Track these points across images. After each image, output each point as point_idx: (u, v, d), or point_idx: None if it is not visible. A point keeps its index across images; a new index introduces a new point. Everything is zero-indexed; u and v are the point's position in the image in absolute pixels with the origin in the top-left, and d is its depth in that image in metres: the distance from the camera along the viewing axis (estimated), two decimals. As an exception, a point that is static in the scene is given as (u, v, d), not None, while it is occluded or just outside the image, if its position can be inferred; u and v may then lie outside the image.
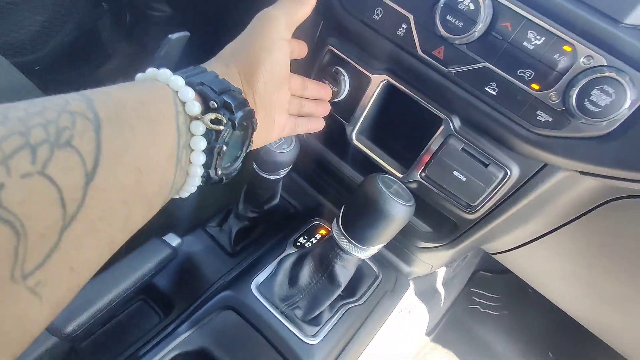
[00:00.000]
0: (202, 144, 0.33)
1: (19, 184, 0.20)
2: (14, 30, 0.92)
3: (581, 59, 0.40)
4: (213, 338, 0.51)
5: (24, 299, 0.20)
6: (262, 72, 0.42)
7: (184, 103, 0.33)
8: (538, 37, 0.42)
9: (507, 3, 0.42)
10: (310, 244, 0.66)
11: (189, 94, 0.33)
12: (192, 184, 0.35)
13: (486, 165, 0.52)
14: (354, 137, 0.62)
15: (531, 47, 0.42)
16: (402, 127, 0.62)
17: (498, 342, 1.22)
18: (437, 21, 0.44)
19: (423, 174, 0.58)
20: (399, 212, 0.48)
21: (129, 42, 1.11)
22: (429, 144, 0.56)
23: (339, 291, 0.55)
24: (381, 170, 0.61)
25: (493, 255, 0.85)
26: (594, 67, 0.40)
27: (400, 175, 0.60)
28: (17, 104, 0.23)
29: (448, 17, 0.44)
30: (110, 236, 0.26)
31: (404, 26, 0.49)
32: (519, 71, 0.44)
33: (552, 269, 0.77)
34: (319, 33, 0.61)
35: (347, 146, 0.64)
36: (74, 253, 0.23)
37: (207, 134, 0.33)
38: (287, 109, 0.49)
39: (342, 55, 0.58)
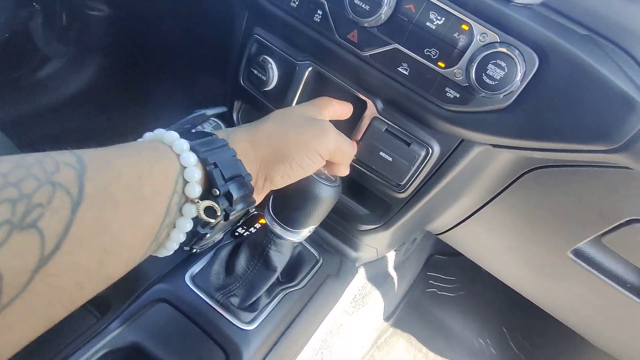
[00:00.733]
0: (188, 226, 0.31)
1: None
2: None
3: (477, 37, 0.43)
4: (146, 332, 0.51)
5: None
6: (285, 169, 0.39)
7: (185, 182, 0.30)
8: (439, 18, 0.44)
9: (409, -14, 0.44)
10: (249, 234, 0.67)
11: (196, 175, 0.30)
12: (162, 254, 0.33)
13: (409, 145, 0.55)
14: (287, 126, 0.63)
15: (434, 27, 0.44)
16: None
17: (455, 323, 1.26)
18: (347, 5, 0.46)
19: (354, 157, 0.59)
20: (324, 192, 0.49)
21: (66, 43, 1.08)
22: (357, 127, 0.57)
23: (275, 276, 0.56)
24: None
25: (439, 237, 0.88)
26: (489, 43, 0.42)
27: (334, 161, 0.61)
28: (3, 162, 0.22)
29: (356, 1, 0.45)
30: (50, 316, 0.24)
31: (320, 12, 0.50)
32: (425, 51, 0.46)
33: (490, 245, 0.80)
34: (245, 23, 0.61)
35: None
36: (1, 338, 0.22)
37: (196, 218, 0.31)
38: None
39: (269, 44, 0.59)
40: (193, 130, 0.40)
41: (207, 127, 0.75)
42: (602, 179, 0.51)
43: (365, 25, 0.47)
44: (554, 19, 0.44)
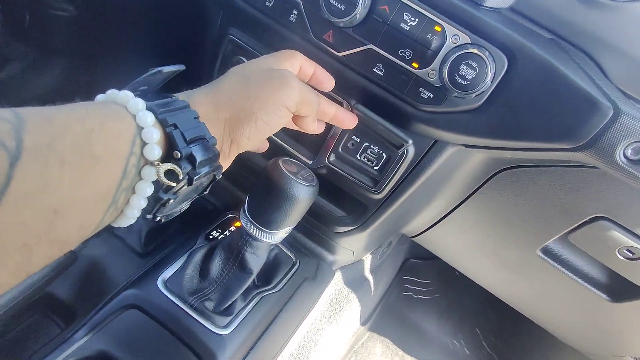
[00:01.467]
0: (149, 190, 0.29)
1: None
2: None
3: (450, 38, 0.44)
4: (115, 340, 0.48)
5: None
6: (251, 129, 0.37)
7: (144, 144, 0.28)
8: (412, 19, 0.45)
9: (383, -13, 0.45)
10: (224, 237, 0.65)
11: (154, 135, 0.28)
12: (124, 223, 0.30)
13: (384, 146, 0.55)
14: (262, 127, 0.62)
15: (407, 28, 0.45)
16: (309, 115, 0.64)
17: (431, 325, 1.28)
18: (322, 5, 0.46)
19: (331, 159, 0.59)
20: (301, 192, 0.49)
21: (27, 44, 1.03)
22: (332, 128, 0.57)
23: (251, 279, 0.55)
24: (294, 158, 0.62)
25: (414, 239, 0.89)
26: (460, 44, 0.44)
27: (310, 162, 0.61)
28: None
29: (331, 1, 0.46)
30: None
31: (295, 12, 0.50)
32: (399, 51, 0.47)
33: (463, 246, 0.82)
34: (220, 23, 0.61)
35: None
36: None
37: (157, 181, 0.29)
38: None
39: (244, 44, 0.58)
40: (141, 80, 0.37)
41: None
42: (567, 178, 0.53)
43: (341, 25, 0.47)
44: (522, 23, 0.46)
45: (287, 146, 0.62)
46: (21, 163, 0.22)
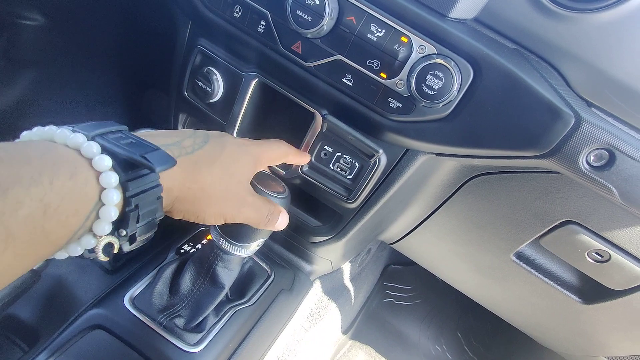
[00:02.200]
0: (79, 250, 0.29)
1: None
2: None
3: (416, 49, 0.44)
4: (79, 363, 0.46)
5: None
6: (198, 218, 0.39)
7: (97, 217, 0.28)
8: (379, 30, 0.45)
9: (349, -2, 0.45)
10: (195, 251, 0.64)
11: (112, 214, 0.28)
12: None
13: (357, 155, 0.55)
14: (234, 138, 0.61)
15: (375, 39, 0.45)
16: (282, 124, 0.63)
17: (413, 331, 1.28)
18: (289, 15, 0.46)
19: (304, 169, 0.59)
20: (272, 204, 0.48)
21: (-7, 55, 1.00)
22: (304, 138, 0.57)
23: (223, 294, 0.53)
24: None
25: (393, 246, 0.89)
26: (427, 55, 0.44)
27: (284, 172, 0.60)
28: None
29: (298, 12, 0.46)
30: None
31: (263, 23, 0.50)
32: (367, 62, 0.47)
33: (440, 252, 0.82)
34: (189, 34, 0.60)
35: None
36: None
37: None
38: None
39: (213, 55, 0.58)
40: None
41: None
42: (536, 184, 0.54)
43: (309, 36, 0.47)
44: (486, 34, 0.46)
45: (260, 157, 0.62)
46: None
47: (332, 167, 0.57)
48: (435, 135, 0.48)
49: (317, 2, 0.44)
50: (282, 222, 0.48)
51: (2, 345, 0.53)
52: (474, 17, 0.46)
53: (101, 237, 0.29)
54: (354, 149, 0.55)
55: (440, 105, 0.45)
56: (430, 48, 0.44)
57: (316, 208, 0.66)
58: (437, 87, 0.43)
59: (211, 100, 0.59)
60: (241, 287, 0.62)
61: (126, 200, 0.29)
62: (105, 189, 0.28)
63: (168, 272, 0.56)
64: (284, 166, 0.61)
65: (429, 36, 0.44)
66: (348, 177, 0.57)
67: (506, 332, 1.28)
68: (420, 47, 0.44)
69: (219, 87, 0.58)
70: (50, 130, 0.28)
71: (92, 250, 0.29)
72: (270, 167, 0.61)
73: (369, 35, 0.45)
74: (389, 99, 0.48)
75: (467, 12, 0.45)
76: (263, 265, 0.67)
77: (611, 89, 0.43)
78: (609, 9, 0.41)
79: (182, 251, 0.63)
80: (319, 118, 0.55)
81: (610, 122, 0.43)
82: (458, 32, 0.43)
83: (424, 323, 1.31)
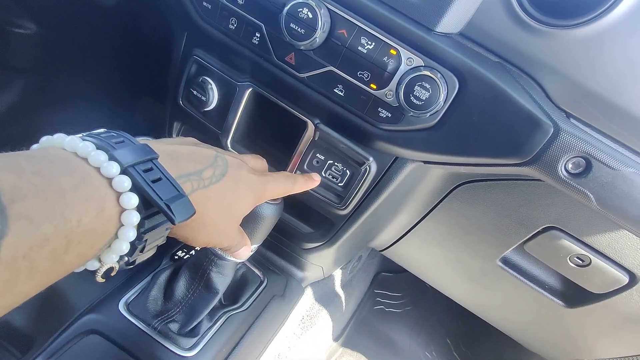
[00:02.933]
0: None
1: None
2: None
3: (405, 61, 0.46)
4: (73, 368, 0.47)
5: None
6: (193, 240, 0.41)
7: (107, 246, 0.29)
8: (369, 43, 0.47)
9: (341, 13, 0.47)
10: (189, 257, 0.64)
11: (124, 248, 0.29)
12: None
13: (348, 163, 0.57)
14: (228, 146, 0.62)
15: (365, 51, 0.47)
16: (275, 132, 0.65)
17: (403, 338, 1.29)
18: (283, 28, 0.48)
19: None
20: (265, 210, 0.49)
21: (-17, 63, 1.00)
22: (297, 147, 0.59)
23: (217, 299, 0.54)
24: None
25: (383, 253, 0.91)
26: (414, 67, 0.46)
27: (276, 180, 0.62)
28: None
29: (292, 25, 0.47)
30: None
31: (258, 35, 0.52)
32: (358, 73, 0.49)
33: (429, 258, 0.84)
34: (184, 44, 0.61)
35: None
36: None
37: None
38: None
39: (208, 65, 0.59)
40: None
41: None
42: (519, 192, 0.56)
43: (302, 48, 0.49)
44: (471, 47, 0.49)
45: (253, 164, 0.63)
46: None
47: (323, 175, 0.59)
48: (423, 144, 0.50)
49: (310, 16, 0.46)
50: (244, 254, 0.50)
51: (-7, 352, 0.53)
52: (459, 32, 0.49)
53: (104, 264, 0.30)
54: (345, 157, 0.57)
55: (428, 115, 0.47)
56: (417, 60, 0.46)
57: (308, 215, 0.67)
58: (424, 98, 0.45)
59: (206, 109, 0.61)
60: (234, 293, 0.63)
61: (138, 235, 0.30)
62: (123, 225, 0.29)
63: (162, 278, 0.57)
64: (277, 173, 0.62)
65: (417, 49, 0.46)
66: (339, 184, 0.59)
67: (494, 338, 1.30)
68: (408, 59, 0.46)
69: (214, 96, 0.60)
70: (86, 148, 0.29)
71: (92, 272, 0.31)
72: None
73: (359, 48, 0.48)
74: (379, 109, 0.50)
75: (452, 26, 0.47)
76: (256, 271, 0.68)
77: (588, 100, 0.46)
78: (585, 25, 0.44)
79: (176, 257, 0.63)
80: (311, 127, 0.56)
81: (588, 132, 0.46)
82: (444, 46, 0.46)
83: (414, 330, 1.32)
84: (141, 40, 0.94)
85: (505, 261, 0.68)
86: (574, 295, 0.66)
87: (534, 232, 0.60)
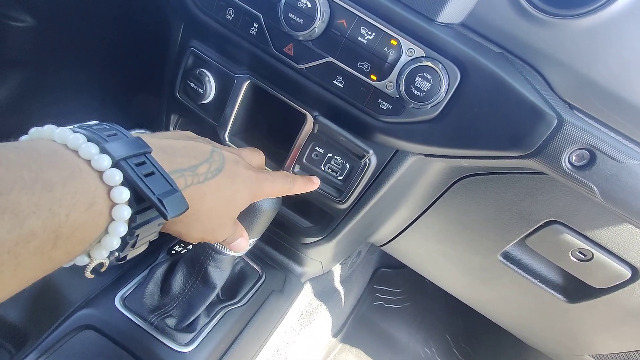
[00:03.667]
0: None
1: None
2: None
3: (405, 52, 0.46)
4: (69, 363, 0.46)
5: None
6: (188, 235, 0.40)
7: (96, 242, 0.28)
8: (369, 33, 0.46)
9: (340, 2, 0.46)
10: (187, 251, 0.64)
11: (114, 244, 0.28)
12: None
13: (347, 156, 0.56)
14: (226, 139, 0.62)
15: (365, 42, 0.47)
16: (274, 125, 0.64)
17: (402, 334, 1.29)
18: (281, 18, 0.47)
19: (295, 170, 0.60)
20: (263, 203, 0.49)
21: (-21, 56, 0.98)
22: (296, 139, 0.58)
23: (214, 294, 0.53)
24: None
25: (382, 248, 0.90)
26: (415, 57, 0.45)
27: (275, 174, 0.61)
28: None
29: (290, 15, 0.46)
30: None
31: (256, 25, 0.51)
32: (358, 64, 0.48)
33: (429, 253, 0.84)
34: (181, 35, 0.60)
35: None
36: None
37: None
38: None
39: (205, 57, 0.58)
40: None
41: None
42: (521, 185, 0.55)
43: (300, 38, 0.48)
44: (472, 38, 0.48)
45: (251, 158, 0.62)
46: None
47: (323, 168, 0.58)
48: (424, 136, 0.49)
49: (309, 5, 0.45)
50: (241, 247, 0.49)
51: (-13, 348, 0.52)
52: (460, 22, 0.48)
53: (92, 259, 0.29)
54: (345, 150, 0.56)
55: (429, 106, 0.46)
56: (418, 51, 0.45)
57: (307, 209, 0.67)
58: (425, 89, 0.45)
59: (203, 102, 0.60)
60: (232, 288, 0.62)
61: (129, 230, 0.29)
62: (114, 220, 0.28)
63: (159, 272, 0.56)
64: (275, 166, 0.61)
65: (418, 39, 0.45)
66: (339, 177, 0.58)
67: (494, 334, 1.30)
68: (409, 50, 0.45)
69: (211, 89, 0.59)
70: (76, 140, 0.28)
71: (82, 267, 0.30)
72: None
73: (359, 38, 0.47)
74: (379, 101, 0.49)
75: (454, 16, 0.46)
76: (254, 265, 0.68)
77: (592, 92, 0.45)
78: (588, 15, 0.43)
79: (173, 252, 0.63)
80: (310, 119, 0.56)
81: (591, 124, 0.45)
82: (445, 36, 0.45)
83: (413, 326, 1.32)
84: (138, 32, 0.93)
85: (506, 256, 0.68)
86: (576, 290, 0.65)
87: (535, 227, 0.59)
